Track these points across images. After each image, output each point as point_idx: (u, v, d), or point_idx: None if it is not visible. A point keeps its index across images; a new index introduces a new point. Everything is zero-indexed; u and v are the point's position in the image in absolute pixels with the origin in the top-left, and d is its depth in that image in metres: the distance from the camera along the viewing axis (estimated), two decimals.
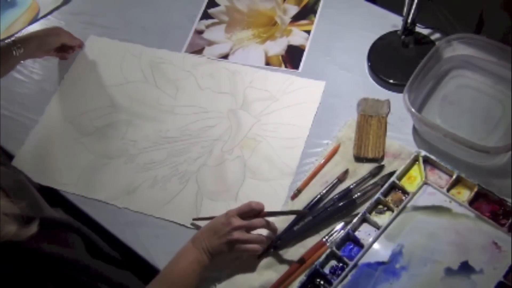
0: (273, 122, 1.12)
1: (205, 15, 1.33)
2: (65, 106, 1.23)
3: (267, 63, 1.22)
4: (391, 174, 1.00)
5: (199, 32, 1.30)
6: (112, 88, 1.23)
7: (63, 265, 0.80)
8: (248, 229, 0.93)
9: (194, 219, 1.02)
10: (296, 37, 1.25)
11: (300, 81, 1.17)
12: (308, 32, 1.25)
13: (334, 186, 1.01)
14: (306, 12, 1.29)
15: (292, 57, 1.22)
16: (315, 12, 1.28)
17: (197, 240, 0.93)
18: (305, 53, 1.22)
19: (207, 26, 1.31)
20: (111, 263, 0.94)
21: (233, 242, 0.91)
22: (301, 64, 1.20)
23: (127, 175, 1.10)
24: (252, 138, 1.11)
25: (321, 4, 1.29)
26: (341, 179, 1.02)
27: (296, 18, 1.29)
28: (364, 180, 1.01)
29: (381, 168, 1.02)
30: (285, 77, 1.18)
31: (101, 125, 1.18)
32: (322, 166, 1.04)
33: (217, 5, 1.34)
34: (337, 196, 1.00)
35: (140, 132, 1.15)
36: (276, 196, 1.03)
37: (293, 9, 1.30)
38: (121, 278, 0.93)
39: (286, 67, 1.20)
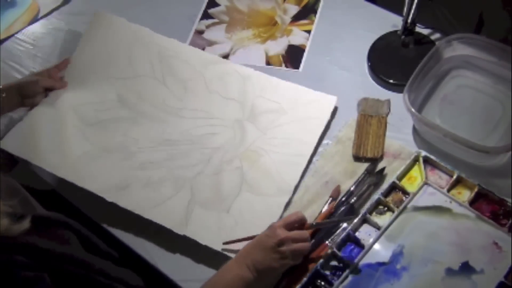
0: (278, 137, 1.08)
1: (205, 15, 1.33)
2: (69, 91, 1.19)
3: (268, 62, 1.22)
4: (382, 170, 1.00)
5: (200, 32, 1.30)
6: (120, 81, 1.20)
7: (59, 259, 0.80)
8: (293, 241, 0.88)
9: (224, 243, 0.96)
10: (297, 36, 1.25)
11: (312, 94, 1.12)
12: (309, 32, 1.25)
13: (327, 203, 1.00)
14: (306, 12, 1.29)
15: (293, 57, 1.22)
16: (315, 12, 1.28)
17: (240, 256, 0.88)
18: (305, 53, 1.22)
19: (207, 26, 1.31)
20: (108, 260, 0.94)
21: (281, 255, 0.86)
22: (302, 64, 1.20)
23: (122, 171, 1.08)
24: (254, 151, 1.07)
25: (321, 4, 1.29)
26: (334, 196, 1.00)
27: (296, 18, 1.29)
28: (362, 179, 1.01)
29: (375, 164, 1.02)
30: (297, 88, 1.14)
31: (105, 118, 1.16)
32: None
33: (217, 5, 1.34)
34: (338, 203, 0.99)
35: (143, 131, 1.13)
36: (270, 213, 0.99)
37: (293, 9, 1.30)
38: (120, 273, 0.92)
39: (286, 67, 1.21)
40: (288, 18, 1.29)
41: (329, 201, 1.00)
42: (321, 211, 0.99)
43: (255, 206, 1.01)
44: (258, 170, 1.05)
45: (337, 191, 1.00)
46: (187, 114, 1.15)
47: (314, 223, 0.94)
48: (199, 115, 1.14)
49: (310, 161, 1.05)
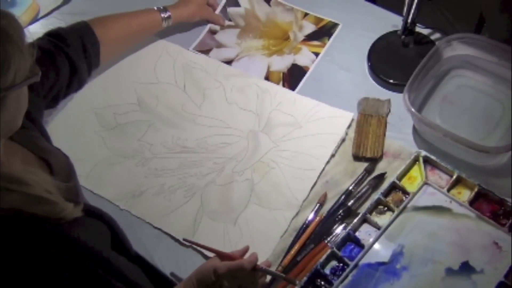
0: (290, 150, 1.08)
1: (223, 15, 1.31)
2: (93, 94, 1.21)
3: (267, 77, 1.19)
4: (382, 174, 1.00)
5: (213, 33, 1.29)
6: (142, 85, 1.22)
7: (85, 253, 0.77)
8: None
9: (185, 240, 0.97)
10: (303, 57, 1.21)
11: (328, 110, 1.11)
12: (317, 54, 1.21)
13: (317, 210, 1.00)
14: (321, 34, 1.24)
15: (292, 77, 1.18)
16: (329, 36, 1.23)
17: None
18: (305, 76, 1.18)
19: (222, 28, 1.30)
20: (132, 260, 0.91)
21: None
22: (299, 86, 1.17)
23: (136, 178, 1.09)
24: (265, 163, 1.07)
25: (338, 29, 1.24)
26: (321, 203, 1.00)
27: (309, 38, 1.24)
28: (361, 179, 1.01)
29: (375, 164, 1.02)
30: (314, 103, 1.13)
31: (124, 121, 1.17)
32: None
33: (238, 5, 1.32)
34: (337, 203, 1.00)
35: (158, 136, 1.14)
36: (276, 227, 0.99)
37: (310, 28, 1.25)
38: (140, 281, 0.89)
39: (283, 85, 1.17)
40: (301, 36, 1.24)
41: (316, 207, 1.00)
42: (306, 218, 0.99)
43: (261, 219, 1.01)
44: (268, 182, 1.05)
45: (324, 196, 1.00)
46: (204, 121, 1.15)
47: (261, 269, 0.88)
48: (215, 123, 1.14)
49: (319, 176, 1.04)
